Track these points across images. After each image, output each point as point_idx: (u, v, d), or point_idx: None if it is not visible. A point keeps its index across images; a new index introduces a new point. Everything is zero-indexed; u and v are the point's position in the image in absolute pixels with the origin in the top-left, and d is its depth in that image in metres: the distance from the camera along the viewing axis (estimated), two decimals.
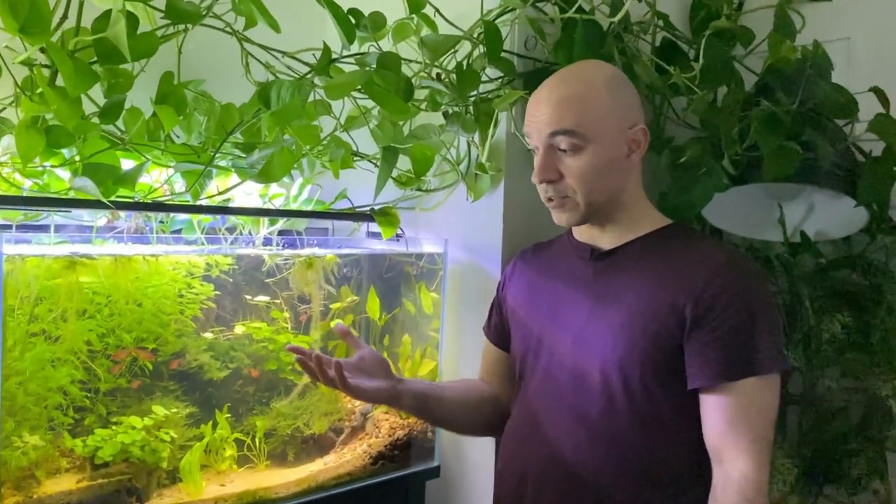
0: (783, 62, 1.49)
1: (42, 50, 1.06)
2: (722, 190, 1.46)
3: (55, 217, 1.29)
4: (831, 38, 1.66)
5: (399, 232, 1.59)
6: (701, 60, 1.43)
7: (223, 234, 1.45)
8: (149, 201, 1.27)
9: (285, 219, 1.52)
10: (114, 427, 1.15)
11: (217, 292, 1.30)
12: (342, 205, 1.61)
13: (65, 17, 1.05)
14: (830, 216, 1.62)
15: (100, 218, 1.35)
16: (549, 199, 1.16)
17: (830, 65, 1.50)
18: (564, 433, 1.15)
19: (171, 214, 1.39)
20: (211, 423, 1.29)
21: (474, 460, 1.54)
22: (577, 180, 1.12)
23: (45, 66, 1.10)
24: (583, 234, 1.23)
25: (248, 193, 1.48)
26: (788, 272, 1.63)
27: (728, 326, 1.05)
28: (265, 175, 1.22)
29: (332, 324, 1.52)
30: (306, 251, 1.47)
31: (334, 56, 1.28)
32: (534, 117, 1.14)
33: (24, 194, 1.16)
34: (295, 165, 1.45)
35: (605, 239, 1.20)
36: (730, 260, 1.10)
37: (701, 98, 1.42)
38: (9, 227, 1.22)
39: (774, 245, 1.70)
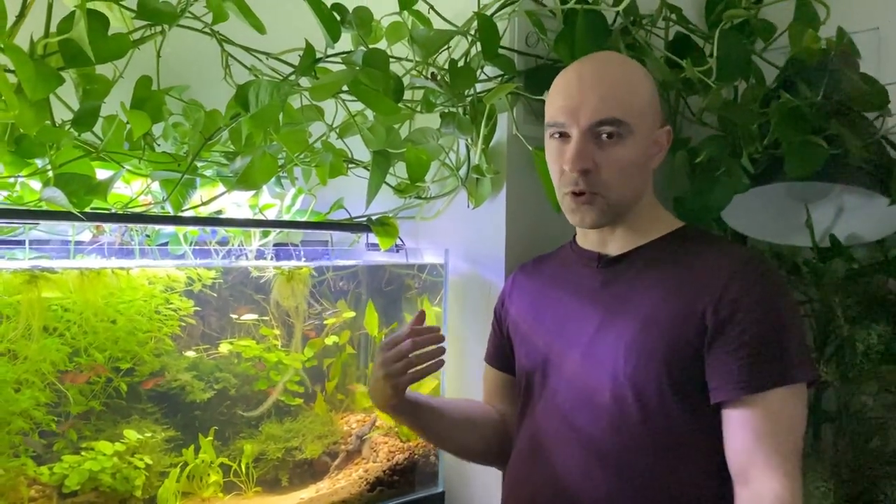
0: (806, 52, 1.38)
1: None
2: (742, 190, 1.35)
3: (35, 232, 1.23)
4: (859, 29, 1.55)
5: (398, 242, 1.50)
6: (715, 52, 1.33)
7: (214, 248, 1.38)
8: (129, 213, 1.21)
9: (278, 231, 1.45)
10: (83, 453, 1.08)
11: (197, 308, 1.22)
12: (339, 215, 1.53)
13: (22, 15, 0.99)
14: (862, 217, 1.50)
15: (82, 232, 1.28)
16: (577, 194, 1.04)
17: (857, 53, 1.39)
18: (573, 458, 1.05)
19: (158, 228, 1.32)
20: (192, 447, 1.21)
21: (481, 485, 1.44)
22: (614, 173, 1.03)
23: (11, 70, 1.04)
24: (588, 239, 1.14)
25: (239, 206, 1.41)
26: (818, 279, 1.51)
27: (753, 332, 0.96)
28: (245, 181, 1.15)
29: (330, 340, 1.44)
30: (271, 262, 1.37)
31: (319, 55, 1.20)
32: (572, 100, 1.03)
33: None
34: (285, 174, 1.38)
35: (613, 244, 1.11)
36: (751, 259, 1.02)
37: (716, 92, 1.32)
38: None
39: (802, 250, 1.58)
